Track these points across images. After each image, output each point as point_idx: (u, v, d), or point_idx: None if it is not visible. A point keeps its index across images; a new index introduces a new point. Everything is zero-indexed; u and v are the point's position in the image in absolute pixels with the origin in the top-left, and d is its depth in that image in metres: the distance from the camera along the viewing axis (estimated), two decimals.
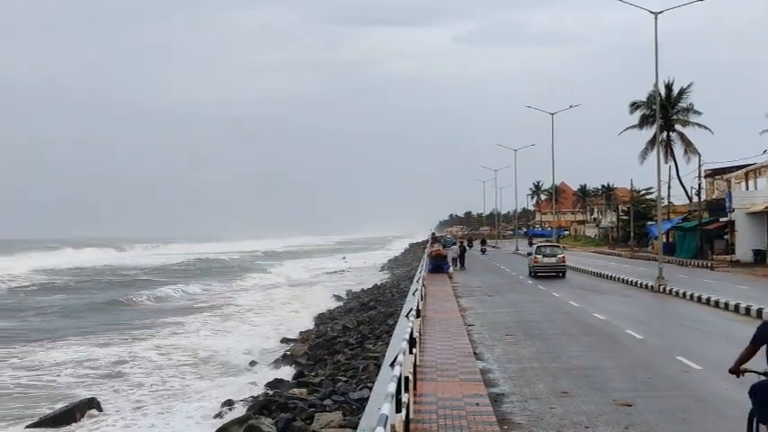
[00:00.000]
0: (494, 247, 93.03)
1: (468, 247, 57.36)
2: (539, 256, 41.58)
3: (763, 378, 7.58)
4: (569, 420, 10.94)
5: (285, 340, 28.59)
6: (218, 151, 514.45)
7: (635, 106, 71.34)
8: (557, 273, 40.77)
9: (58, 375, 22.63)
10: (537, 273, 40.85)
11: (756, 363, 7.65)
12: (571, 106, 63.77)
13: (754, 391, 7.71)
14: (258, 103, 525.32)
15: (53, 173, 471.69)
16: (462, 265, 51.05)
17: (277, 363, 23.26)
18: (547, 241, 60.95)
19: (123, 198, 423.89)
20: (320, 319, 34.32)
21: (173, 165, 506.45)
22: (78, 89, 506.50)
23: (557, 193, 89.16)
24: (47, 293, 52.92)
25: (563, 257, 41.81)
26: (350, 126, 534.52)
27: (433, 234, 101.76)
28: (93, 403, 18.12)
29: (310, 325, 32.43)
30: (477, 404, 11.70)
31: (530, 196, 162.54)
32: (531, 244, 75.43)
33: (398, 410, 8.14)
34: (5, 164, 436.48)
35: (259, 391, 18.42)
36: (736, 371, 7.83)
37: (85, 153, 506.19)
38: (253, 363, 24.17)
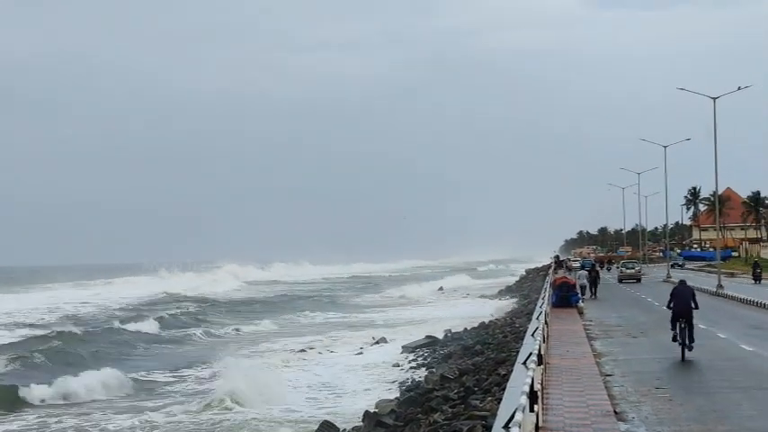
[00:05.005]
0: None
1: (602, 269, 76.93)
2: (624, 269, 77.80)
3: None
4: None
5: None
6: (272, 157, 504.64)
7: None
8: (636, 279, 74.29)
9: None
10: (622, 279, 74.45)
11: None
12: (740, 88, 61.81)
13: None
14: (322, 93, 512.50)
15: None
16: (594, 293, 53.10)
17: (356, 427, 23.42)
18: (628, 260, 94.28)
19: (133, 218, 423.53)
20: (412, 366, 34.52)
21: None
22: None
23: (720, 202, 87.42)
24: None
25: (639, 269, 78.47)
26: (446, 118, 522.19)
27: (557, 257, 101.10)
28: None
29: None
30: None
31: (684, 207, 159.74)
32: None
33: None
34: None
35: None
36: (668, 307, 25.57)
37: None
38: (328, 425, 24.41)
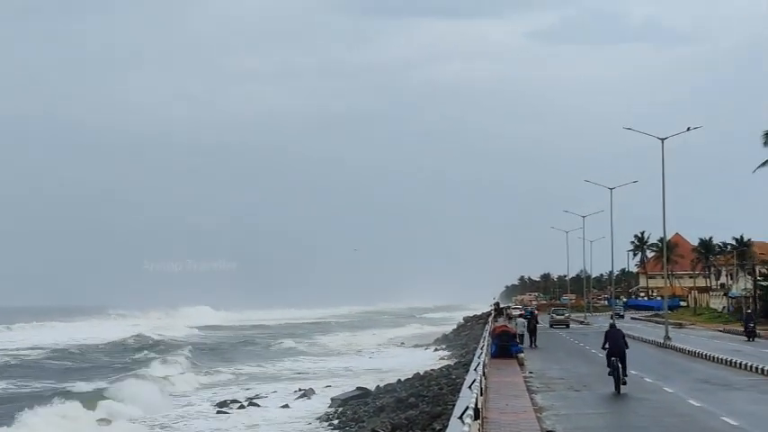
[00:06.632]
0: (581, 322, 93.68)
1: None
2: (554, 315, 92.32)
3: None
4: None
5: None
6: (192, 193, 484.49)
7: None
8: (565, 325, 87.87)
9: None
10: (552, 325, 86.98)
11: None
12: (689, 129, 62.41)
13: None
14: (250, 126, 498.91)
15: None
16: (534, 342, 54.24)
17: None
18: (560, 306, 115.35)
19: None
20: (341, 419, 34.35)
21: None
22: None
23: (668, 248, 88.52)
24: None
25: (568, 316, 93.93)
26: (379, 157, 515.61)
27: (497, 304, 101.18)
28: None
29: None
30: None
31: (631, 253, 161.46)
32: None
33: None
34: None
35: None
36: (603, 347, 31.41)
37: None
38: None
